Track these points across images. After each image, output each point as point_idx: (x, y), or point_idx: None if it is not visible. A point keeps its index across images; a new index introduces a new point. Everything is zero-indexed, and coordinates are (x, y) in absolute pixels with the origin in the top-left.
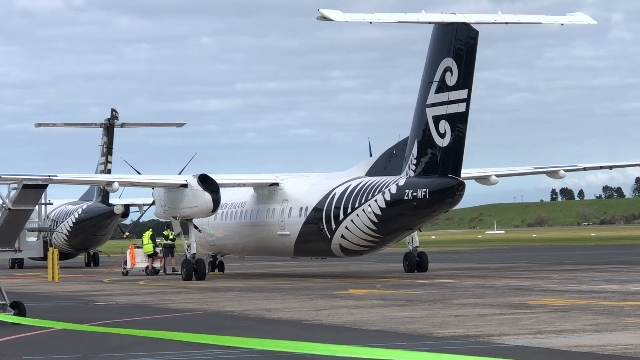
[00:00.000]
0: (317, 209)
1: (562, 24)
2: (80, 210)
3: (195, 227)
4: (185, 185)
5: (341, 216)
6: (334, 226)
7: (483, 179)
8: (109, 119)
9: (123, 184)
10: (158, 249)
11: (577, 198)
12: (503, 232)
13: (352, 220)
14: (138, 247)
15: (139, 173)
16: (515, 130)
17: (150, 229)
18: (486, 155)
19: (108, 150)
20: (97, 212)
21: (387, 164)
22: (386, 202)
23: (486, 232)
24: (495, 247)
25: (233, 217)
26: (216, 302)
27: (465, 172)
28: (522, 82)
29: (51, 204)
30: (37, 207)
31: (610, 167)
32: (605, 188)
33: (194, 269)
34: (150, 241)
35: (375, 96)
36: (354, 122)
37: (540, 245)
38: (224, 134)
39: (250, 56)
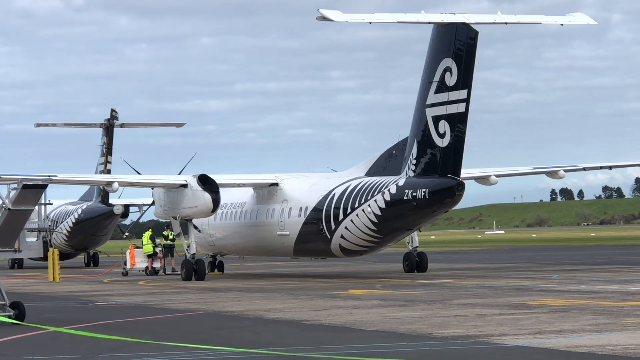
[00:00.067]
0: (317, 209)
1: (562, 24)
2: (80, 211)
3: (195, 228)
4: (185, 186)
5: (341, 216)
6: (333, 226)
7: (483, 179)
8: (108, 119)
9: (123, 184)
10: (158, 249)
11: (576, 198)
12: (503, 232)
13: (351, 221)
14: (138, 248)
15: (139, 173)
16: (514, 130)
17: (150, 229)
18: (486, 156)
19: (108, 150)
20: (97, 212)
21: (387, 164)
22: (386, 202)
23: (486, 232)
24: (494, 247)
25: (233, 218)
26: (216, 302)
27: (464, 172)
28: (522, 82)
29: (51, 204)
30: (36, 207)
31: (610, 167)
32: (605, 188)
33: (194, 269)
34: (150, 241)
35: (374, 96)
36: (353, 122)
37: (540, 245)
38: (224, 134)
39: (250, 56)
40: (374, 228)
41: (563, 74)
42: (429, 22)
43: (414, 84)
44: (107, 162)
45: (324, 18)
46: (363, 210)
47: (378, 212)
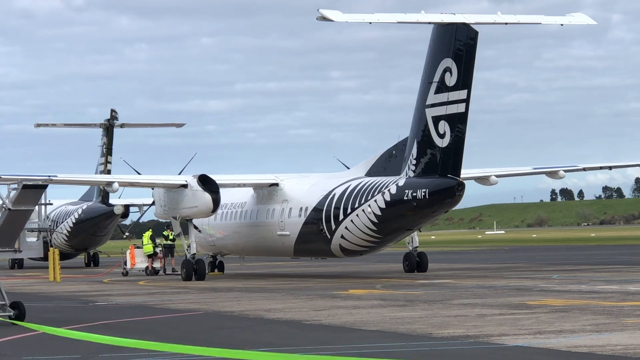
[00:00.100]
0: (317, 209)
1: (562, 25)
2: (80, 211)
3: (195, 228)
4: (185, 186)
5: (341, 216)
6: (333, 226)
7: (483, 179)
8: (108, 120)
9: (123, 184)
10: (158, 249)
11: (576, 198)
12: (503, 232)
13: (352, 221)
14: (138, 248)
15: (139, 173)
16: (514, 130)
17: (150, 229)
18: (486, 156)
19: (108, 150)
20: (97, 212)
21: (387, 164)
22: (386, 202)
23: (486, 233)
24: (495, 247)
25: (233, 218)
26: (216, 302)
27: (465, 172)
28: (522, 82)
29: (51, 204)
30: (37, 207)
31: (610, 168)
32: (605, 188)
33: (194, 269)
34: (150, 241)
35: (374, 96)
36: (353, 122)
37: (540, 245)
38: (224, 134)
39: (250, 56)
40: (374, 228)
41: (563, 74)
42: (429, 22)
43: (414, 84)
44: (107, 162)
45: (324, 18)
46: (363, 210)
47: (378, 212)
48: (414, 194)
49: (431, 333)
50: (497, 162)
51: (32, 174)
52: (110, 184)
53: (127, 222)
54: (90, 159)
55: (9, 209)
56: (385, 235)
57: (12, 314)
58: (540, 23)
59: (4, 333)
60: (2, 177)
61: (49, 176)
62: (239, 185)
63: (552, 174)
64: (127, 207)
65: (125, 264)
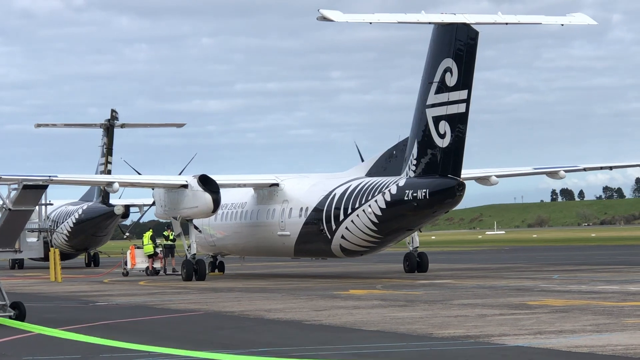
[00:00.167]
0: (318, 210)
1: (562, 25)
2: (80, 211)
3: (196, 228)
4: (185, 186)
5: (341, 217)
6: (334, 227)
7: (483, 180)
8: (108, 120)
9: (123, 184)
10: (158, 250)
11: (577, 198)
12: (503, 232)
13: (352, 221)
14: (138, 248)
15: (139, 173)
16: (515, 130)
17: (151, 230)
18: (486, 156)
19: (108, 150)
20: (98, 212)
21: (387, 164)
22: (386, 202)
23: (486, 233)
24: (495, 247)
25: (233, 218)
26: (216, 302)
27: (465, 172)
28: (522, 82)
29: (51, 204)
30: (37, 207)
31: (611, 168)
32: (606, 188)
33: (194, 270)
34: (150, 242)
35: (375, 97)
36: (353, 122)
37: (541, 245)
38: (224, 135)
39: (250, 56)
40: (375, 228)
41: (563, 74)
42: (430, 23)
43: (414, 84)
44: (107, 162)
45: (324, 18)
46: (364, 210)
47: (379, 213)
48: (415, 194)
49: (432, 333)
50: (497, 162)
51: (32, 174)
52: (110, 184)
53: (128, 222)
54: (91, 159)
55: (10, 209)
56: (386, 235)
57: (12, 314)
58: (540, 23)
59: (5, 333)
60: (3, 177)
61: (49, 176)
62: (239, 186)
63: (553, 174)
64: (127, 208)
65: (126, 264)
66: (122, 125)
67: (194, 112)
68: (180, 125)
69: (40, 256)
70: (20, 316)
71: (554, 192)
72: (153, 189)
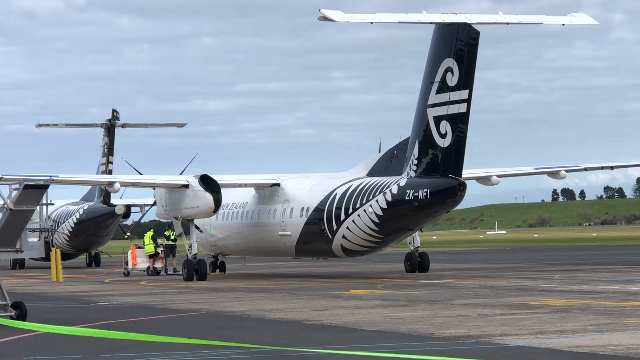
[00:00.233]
0: (319, 210)
1: (563, 24)
2: (81, 211)
3: (197, 228)
4: (186, 186)
5: (342, 216)
6: (335, 226)
7: (484, 180)
8: (110, 120)
9: (124, 184)
10: (159, 250)
11: (578, 198)
12: (504, 232)
13: (353, 221)
14: (139, 248)
15: (140, 173)
16: (516, 130)
17: (152, 230)
18: (487, 156)
19: (109, 150)
20: (99, 212)
21: (388, 164)
22: (387, 202)
23: (487, 233)
24: (496, 247)
25: (234, 218)
26: (217, 302)
27: (466, 172)
28: (523, 82)
29: (52, 204)
30: (38, 207)
31: (612, 168)
32: (607, 188)
33: (195, 270)
34: (151, 241)
35: (376, 97)
36: (354, 122)
37: (542, 245)
38: (225, 135)
39: (251, 57)
40: (376, 228)
41: (564, 74)
42: (431, 23)
43: (415, 84)
44: (108, 162)
45: (325, 18)
46: (365, 210)
47: (380, 213)
48: (416, 194)
49: (433, 333)
50: (498, 162)
51: (33, 174)
52: (111, 184)
53: (129, 222)
54: (92, 159)
55: (11, 209)
56: (387, 235)
57: (13, 314)
58: (541, 23)
59: (6, 333)
60: (4, 177)
61: (51, 176)
62: (240, 186)
63: (554, 174)
64: (128, 207)
65: (127, 264)
66: (123, 125)
67: (194, 112)
68: (181, 125)
69: (42, 256)
70: (22, 316)
71: (555, 192)
72: (154, 189)
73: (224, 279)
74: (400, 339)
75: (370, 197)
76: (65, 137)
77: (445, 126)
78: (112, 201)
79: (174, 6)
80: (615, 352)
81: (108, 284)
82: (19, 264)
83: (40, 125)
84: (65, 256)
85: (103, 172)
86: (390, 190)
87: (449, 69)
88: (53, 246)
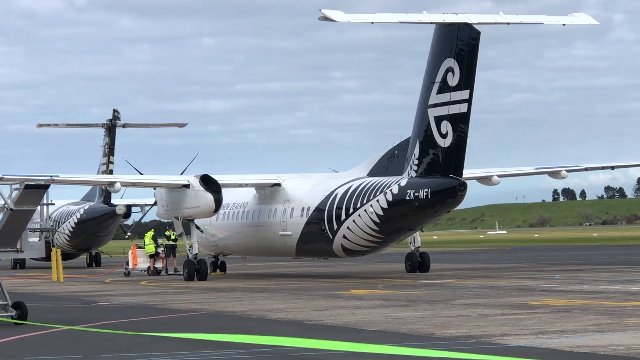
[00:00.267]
0: (319, 209)
1: (564, 25)
2: (82, 211)
3: (197, 228)
4: (187, 186)
5: (343, 216)
6: (335, 226)
7: (485, 180)
8: (110, 120)
9: (125, 184)
10: (160, 250)
11: (579, 198)
12: (505, 232)
13: (354, 221)
14: (140, 248)
15: (141, 173)
16: (516, 130)
17: (152, 230)
18: (488, 156)
19: (110, 150)
20: (99, 212)
21: (389, 164)
22: (388, 202)
23: (488, 233)
24: (497, 247)
25: (235, 218)
26: (218, 302)
27: (467, 172)
28: (524, 82)
29: (53, 204)
30: (39, 207)
31: (612, 168)
32: (607, 188)
33: (196, 270)
34: (152, 241)
35: (376, 97)
36: (355, 122)
37: (542, 245)
38: (226, 135)
39: (252, 57)
40: (376, 228)
41: (565, 74)
42: (431, 23)
43: (416, 84)
44: (109, 162)
45: (326, 18)
46: (365, 210)
47: (380, 212)
48: (416, 194)
49: (433, 333)
50: (499, 162)
51: (34, 174)
52: (112, 184)
53: (129, 222)
54: (92, 159)
55: (11, 209)
56: (388, 235)
57: (14, 314)
58: (542, 23)
59: (6, 333)
60: (4, 177)
61: (51, 176)
62: (240, 186)
63: (554, 174)
64: (129, 207)
65: (127, 264)
66: (124, 125)
67: (195, 112)
68: (181, 125)
69: (42, 256)
70: (22, 316)
71: (555, 192)
72: (155, 189)
73: (224, 279)
74: (401, 339)
75: (371, 197)
76: (66, 137)
77: (446, 126)
78: (113, 201)
79: (175, 6)
80: (616, 352)
81: (109, 284)
82: (19, 264)
83: (40, 125)
84: (65, 256)
85: (104, 172)
86: (390, 190)
87: (449, 69)
88: (54, 246)
